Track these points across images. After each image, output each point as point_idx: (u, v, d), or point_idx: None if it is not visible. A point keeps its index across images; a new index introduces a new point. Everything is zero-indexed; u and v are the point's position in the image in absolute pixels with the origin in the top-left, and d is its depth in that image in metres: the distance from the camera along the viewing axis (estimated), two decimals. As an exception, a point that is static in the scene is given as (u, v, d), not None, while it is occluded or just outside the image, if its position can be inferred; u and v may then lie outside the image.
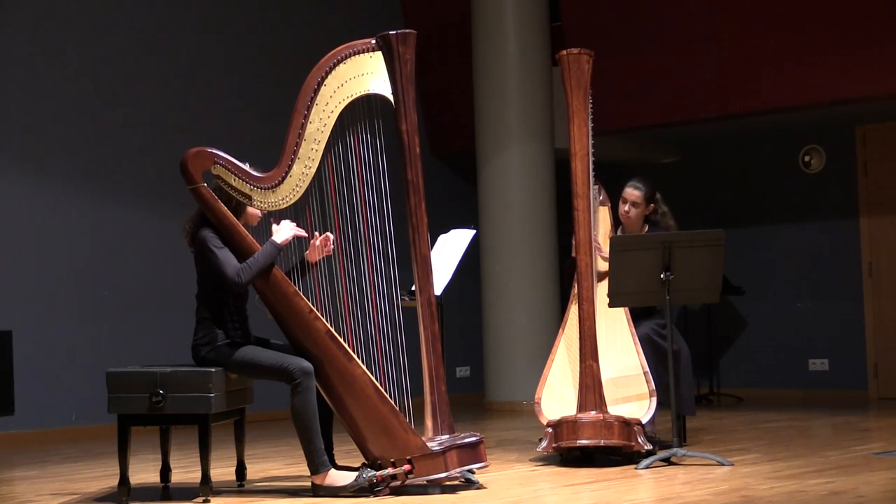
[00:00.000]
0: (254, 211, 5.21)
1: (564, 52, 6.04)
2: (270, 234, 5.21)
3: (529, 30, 9.59)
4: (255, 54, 9.40)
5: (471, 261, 8.27)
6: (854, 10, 8.33)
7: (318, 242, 5.25)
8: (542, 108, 9.60)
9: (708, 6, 8.94)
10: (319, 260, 5.28)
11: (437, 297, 5.76)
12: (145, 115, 8.77)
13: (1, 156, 8.09)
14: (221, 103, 9.15)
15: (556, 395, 6.03)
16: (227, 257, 5.04)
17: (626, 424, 5.71)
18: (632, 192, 6.39)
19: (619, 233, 6.46)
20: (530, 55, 9.57)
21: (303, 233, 5.19)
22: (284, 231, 5.15)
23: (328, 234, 5.25)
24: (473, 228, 6.29)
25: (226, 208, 5.11)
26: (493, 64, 9.57)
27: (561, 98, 6.07)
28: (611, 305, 5.91)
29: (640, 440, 5.72)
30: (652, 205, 6.41)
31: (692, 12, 9.02)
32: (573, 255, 5.94)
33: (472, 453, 5.07)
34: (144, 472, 5.79)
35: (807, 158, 10.06)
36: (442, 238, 6.20)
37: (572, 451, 5.87)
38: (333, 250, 5.26)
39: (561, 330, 6.22)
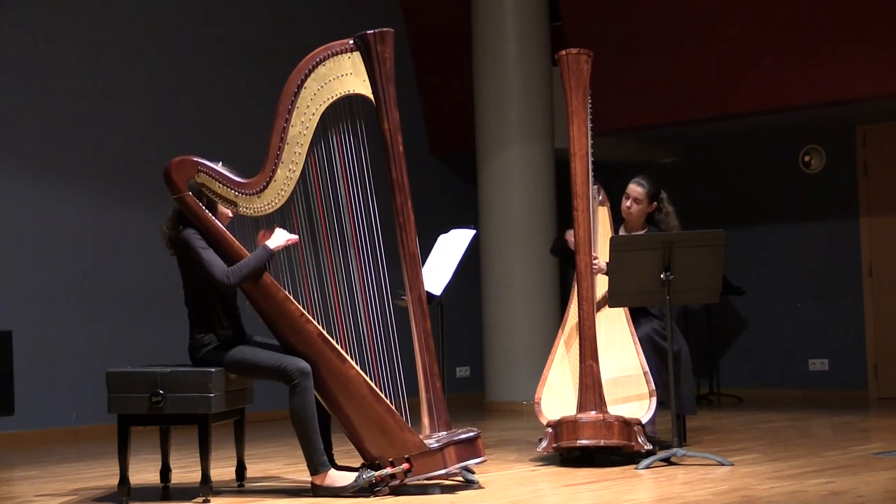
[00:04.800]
0: (224, 210, 5.19)
1: (563, 52, 6.03)
2: (252, 238, 5.20)
3: (529, 30, 9.58)
4: (256, 54, 9.39)
5: (471, 261, 8.27)
6: (854, 10, 8.33)
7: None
8: (542, 108, 9.60)
9: (708, 6, 8.94)
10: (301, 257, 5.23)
11: (437, 297, 5.79)
12: (145, 116, 8.77)
13: (1, 156, 8.09)
14: (223, 103, 9.15)
15: (556, 395, 6.03)
16: (213, 258, 5.03)
17: (626, 424, 5.71)
18: (634, 189, 6.39)
19: (619, 231, 6.47)
20: (530, 55, 9.56)
21: (296, 240, 5.18)
22: (278, 238, 5.14)
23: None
24: (473, 228, 6.28)
25: (212, 216, 5.11)
26: (493, 64, 9.57)
27: (561, 98, 6.08)
28: (611, 305, 5.91)
29: (640, 440, 5.72)
30: (654, 203, 6.41)
31: (692, 12, 9.01)
32: (566, 237, 5.98)
33: (470, 448, 5.07)
34: (144, 472, 5.79)
35: (807, 158, 10.06)
36: (442, 238, 6.20)
37: (572, 451, 5.86)
38: (322, 253, 5.22)
39: (561, 330, 6.22)
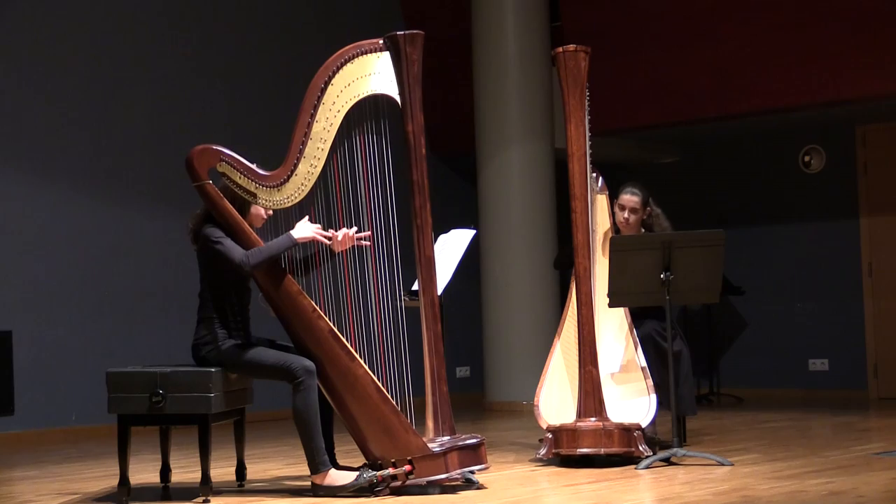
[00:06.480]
0: (258, 211, 5.20)
1: (560, 48, 5.98)
2: (269, 232, 5.22)
3: (529, 30, 9.58)
4: (256, 55, 9.40)
5: (471, 261, 8.27)
6: (854, 10, 8.33)
7: (339, 238, 5.24)
8: (542, 108, 9.60)
9: (708, 6, 8.94)
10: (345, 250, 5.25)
11: (438, 297, 5.76)
12: (146, 116, 8.77)
13: (1, 156, 8.09)
14: (223, 103, 9.15)
15: (555, 398, 6.02)
16: (232, 245, 5.03)
17: (626, 431, 5.70)
18: (630, 199, 6.36)
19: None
20: (530, 55, 9.56)
21: (324, 240, 5.18)
22: (305, 229, 5.14)
23: (348, 232, 5.22)
24: (473, 228, 6.28)
25: (231, 206, 5.11)
26: (493, 64, 9.57)
27: (561, 98, 6.06)
28: (611, 305, 5.90)
29: (640, 447, 5.71)
30: (648, 208, 6.41)
31: (692, 12, 9.02)
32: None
33: (473, 455, 5.06)
34: (144, 472, 5.79)
35: (807, 158, 10.06)
36: (442, 238, 6.19)
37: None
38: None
39: (558, 332, 6.20)
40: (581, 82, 5.95)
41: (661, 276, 5.74)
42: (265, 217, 5.24)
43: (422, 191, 5.15)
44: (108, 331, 8.42)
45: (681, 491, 4.97)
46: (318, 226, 5.18)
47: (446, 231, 6.22)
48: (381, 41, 5.21)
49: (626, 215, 6.35)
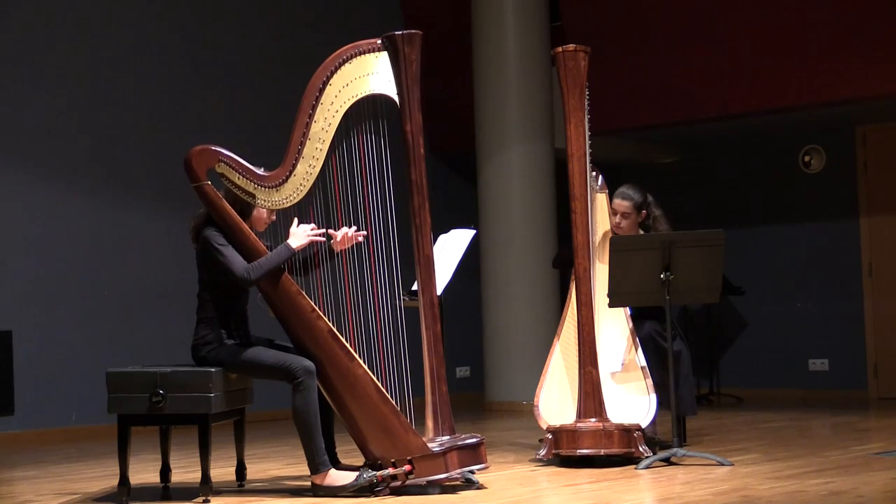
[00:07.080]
0: (260, 215, 5.20)
1: (560, 48, 5.98)
2: (270, 233, 5.22)
3: (529, 30, 9.58)
4: (256, 54, 9.40)
5: (471, 261, 8.27)
6: (854, 11, 8.33)
7: (339, 238, 5.25)
8: (542, 108, 9.60)
9: (708, 6, 8.94)
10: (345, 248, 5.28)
11: (437, 297, 5.76)
12: (146, 116, 8.77)
13: (1, 156, 8.09)
14: (222, 103, 9.15)
15: (555, 399, 6.02)
16: (233, 255, 5.03)
17: (626, 431, 5.70)
18: (621, 203, 6.34)
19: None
20: (530, 55, 9.56)
21: (321, 239, 5.18)
22: (301, 236, 5.13)
23: (348, 231, 5.24)
24: (473, 228, 6.28)
25: (230, 207, 5.11)
26: (493, 64, 9.57)
27: (561, 98, 6.06)
28: (611, 305, 5.90)
29: (640, 448, 5.71)
30: (643, 211, 6.38)
31: (692, 12, 9.01)
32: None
33: (473, 455, 5.07)
34: (144, 472, 5.79)
35: (807, 158, 10.06)
36: (442, 238, 6.19)
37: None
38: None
39: (557, 333, 6.20)
40: (581, 82, 5.94)
41: (661, 276, 5.74)
42: (268, 221, 5.24)
43: (420, 190, 5.15)
44: (108, 331, 8.42)
45: (681, 491, 4.97)
46: (312, 225, 5.17)
47: (446, 231, 6.22)
48: (379, 41, 5.21)
49: (617, 220, 6.33)
